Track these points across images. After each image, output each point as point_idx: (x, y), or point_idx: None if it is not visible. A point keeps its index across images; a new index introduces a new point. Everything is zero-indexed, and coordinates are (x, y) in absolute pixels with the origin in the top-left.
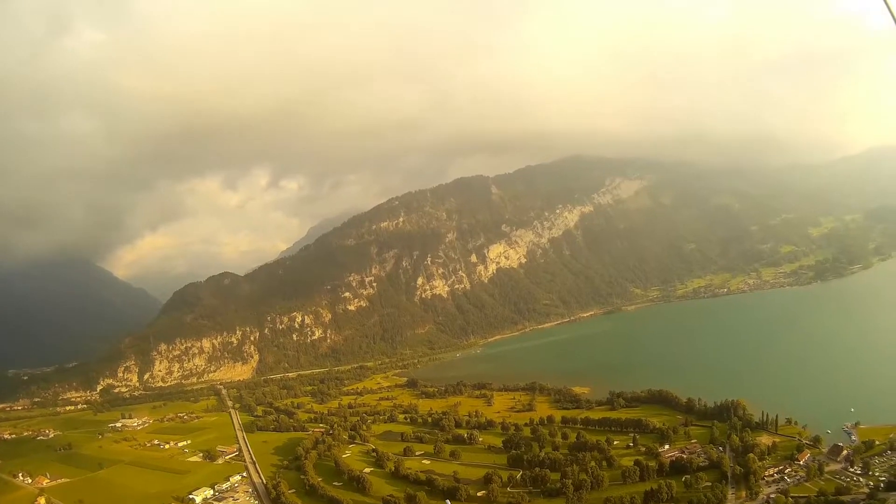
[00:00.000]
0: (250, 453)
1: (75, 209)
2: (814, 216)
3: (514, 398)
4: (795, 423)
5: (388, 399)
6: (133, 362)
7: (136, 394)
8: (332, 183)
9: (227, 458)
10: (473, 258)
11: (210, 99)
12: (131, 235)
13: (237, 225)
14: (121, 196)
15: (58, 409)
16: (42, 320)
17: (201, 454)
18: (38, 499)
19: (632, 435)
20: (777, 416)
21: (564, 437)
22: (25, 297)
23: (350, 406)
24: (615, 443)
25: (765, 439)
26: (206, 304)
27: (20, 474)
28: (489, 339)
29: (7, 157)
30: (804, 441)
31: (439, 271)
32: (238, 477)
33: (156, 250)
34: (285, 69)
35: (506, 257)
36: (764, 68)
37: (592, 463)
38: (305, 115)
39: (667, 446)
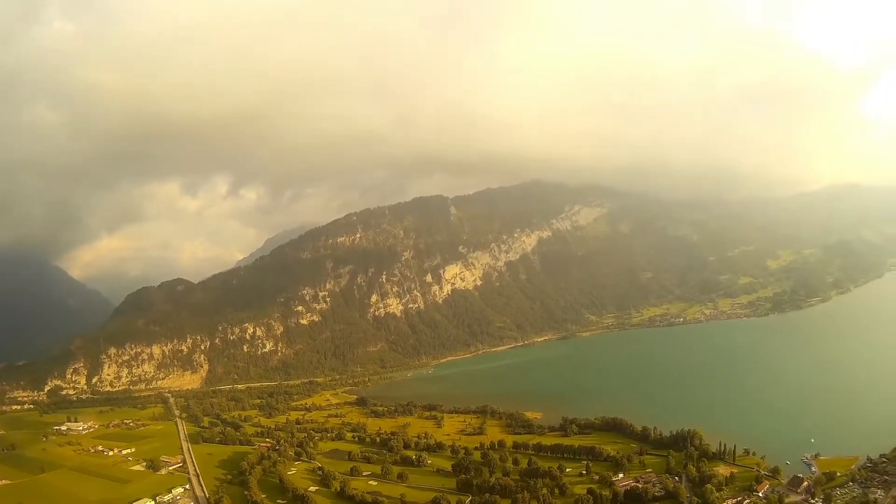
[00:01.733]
0: (194, 465)
1: (34, 203)
2: (772, 249)
3: (464, 421)
4: (754, 454)
5: (336, 416)
6: (82, 364)
7: (83, 397)
8: (291, 195)
9: (170, 468)
10: (429, 278)
11: (173, 101)
12: (89, 235)
13: (195, 231)
14: (81, 194)
15: (3, 407)
16: None
17: (145, 463)
18: None
19: (585, 462)
20: (735, 447)
21: (516, 462)
22: None
23: (298, 422)
24: (567, 470)
25: (722, 469)
26: (159, 310)
27: None
28: (441, 360)
29: None
30: (763, 472)
31: (394, 289)
32: (181, 489)
33: (112, 252)
34: (248, 76)
35: (461, 278)
36: (728, 101)
37: (544, 490)
38: (266, 125)
39: (621, 475)
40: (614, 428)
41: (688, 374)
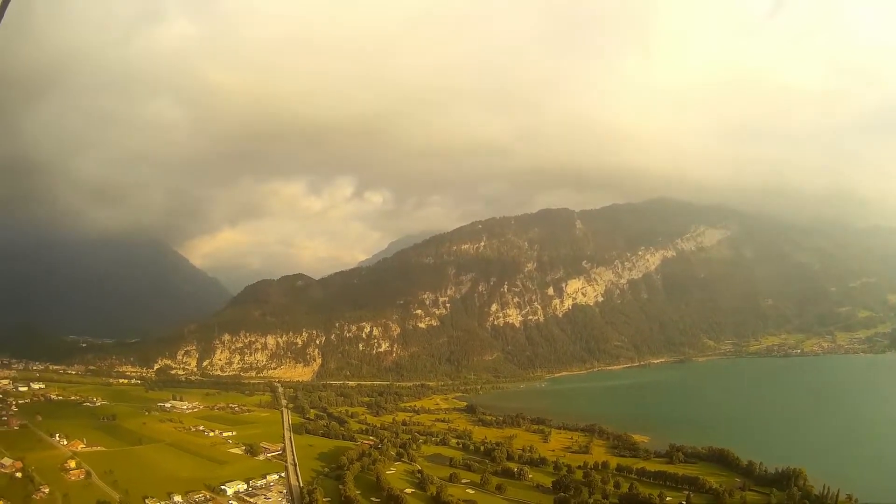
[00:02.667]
0: (293, 455)
1: (155, 193)
2: (894, 282)
3: (571, 438)
4: (856, 501)
5: (443, 421)
6: (194, 347)
7: (192, 378)
8: (414, 202)
9: (269, 455)
10: (550, 291)
11: (293, 104)
12: (211, 227)
13: (317, 231)
14: (202, 188)
15: (111, 380)
16: (109, 294)
17: (244, 447)
18: (68, 461)
19: (686, 493)
20: (838, 492)
21: (617, 485)
22: (95, 270)
23: (404, 423)
24: (668, 499)
25: None
26: (276, 303)
27: (57, 435)
28: (555, 374)
29: (92, 134)
30: None
31: (514, 300)
32: (275, 476)
33: (233, 245)
34: (369, 83)
35: (583, 294)
36: (856, 124)
37: None
38: (389, 131)
39: None
40: (720, 459)
41: (800, 409)
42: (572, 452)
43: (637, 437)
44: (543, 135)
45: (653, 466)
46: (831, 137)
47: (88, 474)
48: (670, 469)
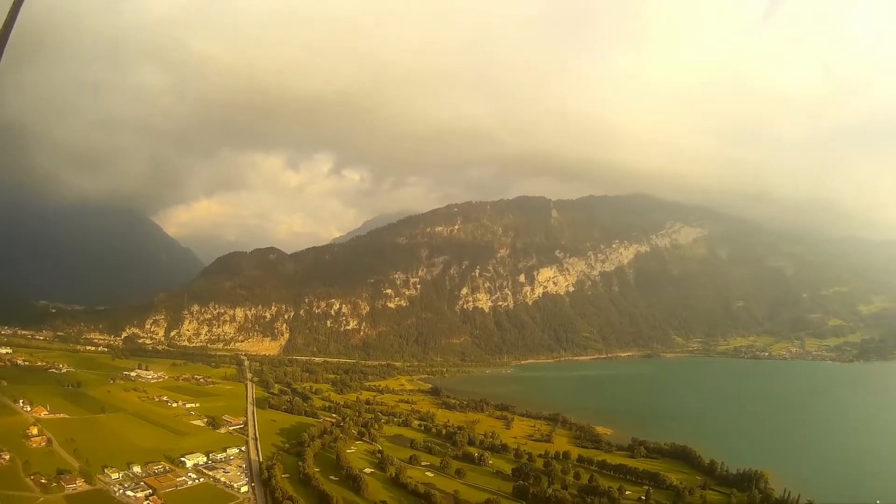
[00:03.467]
0: (255, 429)
1: (135, 160)
2: (866, 293)
3: (534, 426)
4: None
5: (407, 402)
6: (163, 317)
7: (159, 348)
8: (393, 181)
9: (230, 428)
10: (522, 278)
11: (278, 76)
12: (187, 197)
13: (294, 205)
14: (182, 157)
15: (78, 346)
16: (83, 260)
17: (206, 420)
18: (31, 427)
19: (646, 488)
20: (799, 497)
21: (577, 476)
22: (70, 236)
23: (368, 402)
24: (627, 493)
25: None
26: (247, 275)
27: (21, 401)
28: (522, 362)
29: (74, 99)
30: None
31: (485, 285)
32: (236, 450)
33: (209, 215)
34: (355, 59)
35: (554, 283)
36: (840, 132)
37: None
38: (372, 109)
39: None
40: (682, 456)
41: (766, 411)
42: (534, 441)
43: (600, 429)
44: (529, 123)
45: (614, 459)
46: (817, 145)
47: (50, 441)
48: (631, 463)
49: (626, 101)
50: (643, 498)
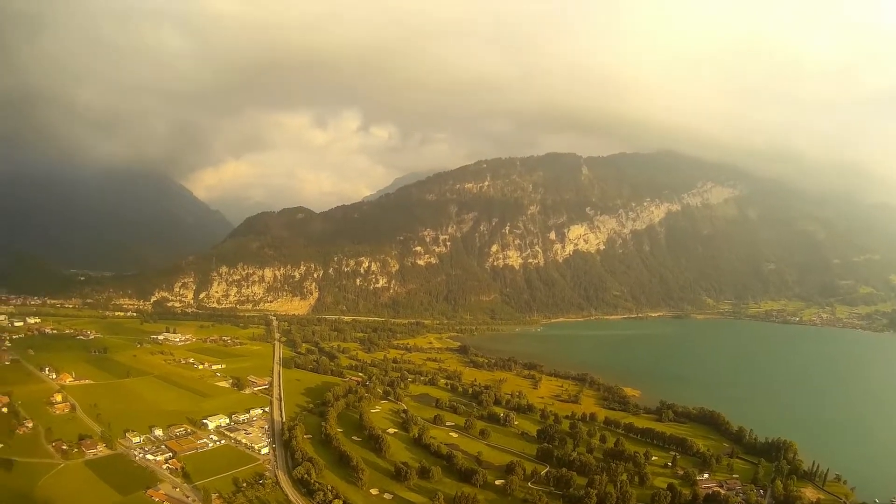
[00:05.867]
0: (280, 389)
1: (159, 124)
2: None
3: (561, 386)
4: (844, 482)
5: (434, 361)
6: (192, 279)
7: (188, 310)
8: (420, 137)
9: (255, 389)
10: (552, 235)
11: (299, 30)
12: (214, 159)
13: (321, 164)
14: (207, 119)
15: (107, 312)
16: (111, 227)
17: (231, 381)
18: (55, 394)
19: (672, 454)
20: (827, 470)
21: (603, 440)
22: (97, 202)
23: (395, 360)
24: (653, 458)
25: (810, 493)
26: (275, 235)
27: (47, 369)
28: (552, 320)
29: (94, 64)
30: None
31: (515, 242)
32: (259, 411)
33: (237, 177)
34: (375, 9)
35: (585, 240)
36: (869, 98)
37: (624, 476)
38: (393, 62)
39: (706, 475)
40: (710, 422)
41: (796, 379)
42: (561, 401)
43: (629, 391)
44: (546, 74)
45: (641, 423)
46: (841, 110)
47: (73, 408)
48: (658, 427)
49: (650, 57)
50: (669, 464)
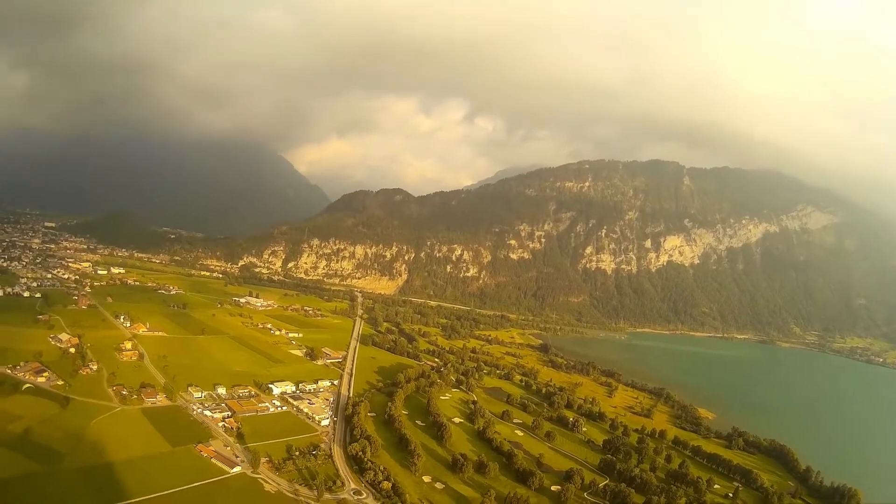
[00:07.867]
0: (352, 364)
1: (262, 100)
2: None
3: (636, 397)
4: None
5: (513, 356)
6: (282, 248)
7: (274, 278)
8: (524, 133)
9: (328, 361)
10: (648, 243)
11: (406, 19)
12: (317, 136)
13: (424, 151)
14: (310, 98)
15: (193, 271)
16: (208, 192)
17: (305, 350)
18: (125, 342)
19: (736, 485)
20: None
21: (668, 459)
22: (197, 168)
23: (473, 350)
24: (716, 486)
25: None
26: (371, 214)
27: (122, 317)
28: (638, 329)
29: (200, 38)
30: None
31: (610, 246)
32: (328, 383)
33: (339, 156)
34: (488, 6)
35: (680, 252)
36: None
37: (682, 501)
38: (499, 57)
39: None
40: (778, 456)
41: (874, 424)
42: (634, 413)
43: (703, 412)
44: (655, 81)
45: (709, 447)
46: None
47: (142, 356)
48: (726, 454)
49: (761, 72)
50: (730, 495)
